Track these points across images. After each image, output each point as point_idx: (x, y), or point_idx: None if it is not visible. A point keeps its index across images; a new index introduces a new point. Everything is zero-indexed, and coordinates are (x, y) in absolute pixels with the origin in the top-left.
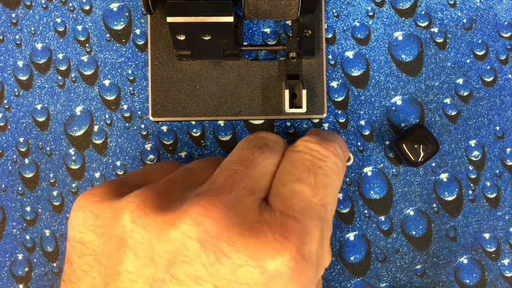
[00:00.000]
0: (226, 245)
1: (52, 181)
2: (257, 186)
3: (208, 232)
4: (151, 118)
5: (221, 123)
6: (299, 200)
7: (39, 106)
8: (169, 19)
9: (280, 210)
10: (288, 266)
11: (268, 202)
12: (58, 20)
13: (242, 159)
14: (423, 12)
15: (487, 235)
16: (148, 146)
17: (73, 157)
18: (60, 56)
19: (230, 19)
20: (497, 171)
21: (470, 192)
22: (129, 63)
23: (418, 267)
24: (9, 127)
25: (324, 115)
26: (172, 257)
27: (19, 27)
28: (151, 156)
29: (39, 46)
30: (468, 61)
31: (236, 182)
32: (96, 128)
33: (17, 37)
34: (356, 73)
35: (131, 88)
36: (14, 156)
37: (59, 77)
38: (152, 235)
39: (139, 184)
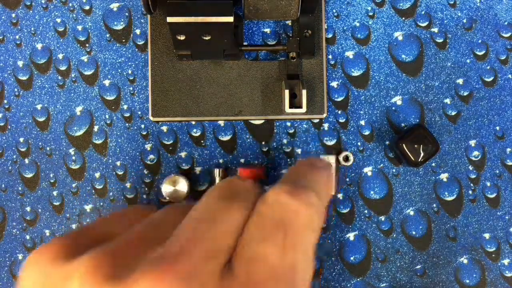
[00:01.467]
0: None
1: (52, 181)
2: (220, 247)
3: None
4: (151, 118)
5: (221, 123)
6: (264, 264)
7: (39, 106)
8: (169, 19)
9: (241, 278)
10: None
11: (231, 263)
12: (58, 20)
13: (206, 215)
14: (423, 12)
15: (487, 235)
16: (148, 146)
17: (73, 157)
18: (60, 56)
19: (230, 19)
20: (497, 171)
21: (470, 192)
22: (129, 63)
23: (418, 267)
24: (9, 127)
25: (324, 115)
26: None
27: (19, 27)
28: (151, 156)
29: (39, 46)
30: (468, 61)
31: (197, 245)
32: (96, 128)
33: (17, 37)
34: (356, 73)
35: (131, 88)
36: (14, 156)
37: (59, 77)
38: None
39: (98, 238)
